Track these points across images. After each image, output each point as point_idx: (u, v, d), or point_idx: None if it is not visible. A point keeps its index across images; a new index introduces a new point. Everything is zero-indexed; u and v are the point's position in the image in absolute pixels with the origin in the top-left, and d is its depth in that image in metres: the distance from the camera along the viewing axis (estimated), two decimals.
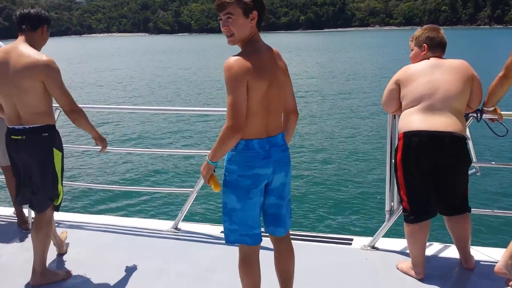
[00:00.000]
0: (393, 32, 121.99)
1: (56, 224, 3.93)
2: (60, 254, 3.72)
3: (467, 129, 3.27)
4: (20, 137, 3.13)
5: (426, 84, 3.09)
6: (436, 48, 3.24)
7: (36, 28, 3.18)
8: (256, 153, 2.42)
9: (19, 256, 3.79)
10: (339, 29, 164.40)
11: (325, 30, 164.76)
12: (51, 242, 3.53)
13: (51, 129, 3.22)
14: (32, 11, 3.18)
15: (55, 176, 3.25)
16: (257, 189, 2.46)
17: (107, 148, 3.51)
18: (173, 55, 55.00)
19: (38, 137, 3.15)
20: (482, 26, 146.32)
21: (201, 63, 42.20)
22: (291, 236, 2.79)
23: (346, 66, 34.91)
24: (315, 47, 62.33)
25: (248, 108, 2.32)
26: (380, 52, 49.67)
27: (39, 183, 3.22)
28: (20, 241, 4.00)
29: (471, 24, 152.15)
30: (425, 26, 3.40)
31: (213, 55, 50.15)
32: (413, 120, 3.06)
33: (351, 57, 44.35)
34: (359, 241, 3.80)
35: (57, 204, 3.35)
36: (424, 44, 3.26)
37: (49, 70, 3.04)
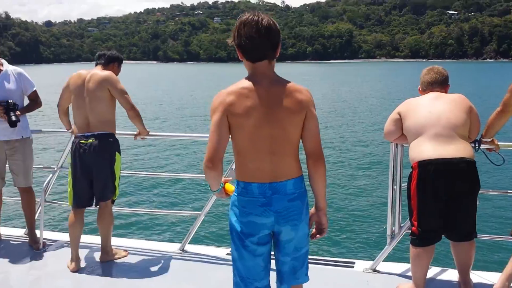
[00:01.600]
0: (399, 65, 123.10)
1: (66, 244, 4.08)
2: (72, 271, 3.83)
3: None
4: (91, 140, 3.81)
5: (427, 114, 3.25)
6: (427, 87, 3.47)
7: (107, 64, 4.06)
8: (253, 198, 2.20)
9: (29, 274, 3.90)
10: (346, 61, 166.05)
11: (332, 61, 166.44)
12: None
13: (114, 136, 3.95)
14: (108, 53, 4.11)
15: (115, 175, 3.96)
16: (254, 238, 2.23)
17: None
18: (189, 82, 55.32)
19: (106, 141, 3.87)
20: (488, 60, 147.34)
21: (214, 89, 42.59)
22: None
23: (352, 96, 35.28)
24: (321, 77, 62.92)
25: (239, 148, 2.21)
26: (385, 83, 50.15)
27: (103, 181, 3.89)
28: (31, 260, 4.09)
29: (477, 58, 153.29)
30: None
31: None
32: (425, 149, 3.17)
33: (357, 87, 44.79)
34: (361, 265, 3.88)
35: (115, 198, 4.06)
36: (419, 86, 3.57)
37: (111, 79, 3.87)
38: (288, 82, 2.26)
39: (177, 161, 14.13)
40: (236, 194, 2.27)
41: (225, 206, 9.46)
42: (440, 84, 3.46)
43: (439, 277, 3.62)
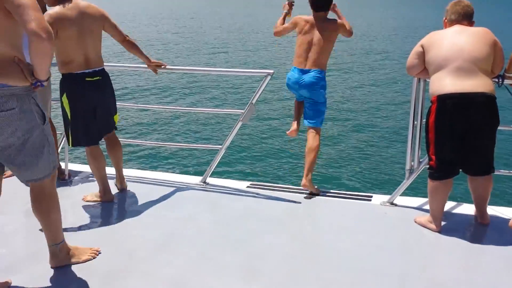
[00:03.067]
0: None
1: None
2: (105, 201, 3.97)
3: None
4: (98, 77, 3.75)
5: (451, 47, 3.23)
6: (457, 17, 3.40)
7: None
8: (293, 74, 4.30)
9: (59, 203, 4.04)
10: None
11: None
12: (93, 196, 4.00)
13: None
14: None
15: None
16: (295, 91, 4.38)
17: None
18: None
19: (108, 77, 3.91)
20: None
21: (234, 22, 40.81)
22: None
23: (365, 27, 34.18)
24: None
25: (296, 47, 4.31)
26: (399, 13, 48.50)
27: (110, 114, 3.96)
28: (57, 190, 4.21)
29: None
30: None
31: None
32: (445, 83, 3.19)
33: (369, 18, 43.33)
34: (379, 198, 4.00)
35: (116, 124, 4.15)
36: (444, 18, 3.50)
37: (106, 13, 3.81)
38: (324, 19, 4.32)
39: (196, 96, 13.90)
40: (289, 71, 4.38)
41: (244, 141, 9.60)
42: (468, 18, 3.41)
43: (455, 211, 3.74)
